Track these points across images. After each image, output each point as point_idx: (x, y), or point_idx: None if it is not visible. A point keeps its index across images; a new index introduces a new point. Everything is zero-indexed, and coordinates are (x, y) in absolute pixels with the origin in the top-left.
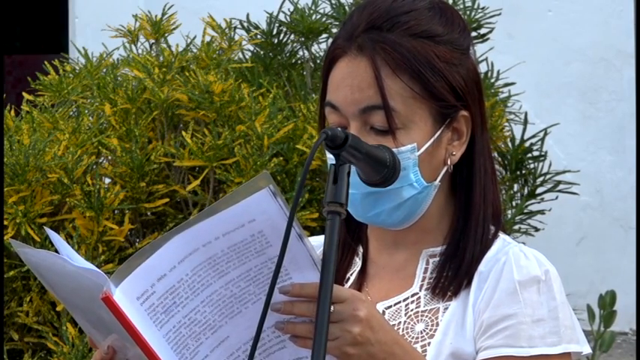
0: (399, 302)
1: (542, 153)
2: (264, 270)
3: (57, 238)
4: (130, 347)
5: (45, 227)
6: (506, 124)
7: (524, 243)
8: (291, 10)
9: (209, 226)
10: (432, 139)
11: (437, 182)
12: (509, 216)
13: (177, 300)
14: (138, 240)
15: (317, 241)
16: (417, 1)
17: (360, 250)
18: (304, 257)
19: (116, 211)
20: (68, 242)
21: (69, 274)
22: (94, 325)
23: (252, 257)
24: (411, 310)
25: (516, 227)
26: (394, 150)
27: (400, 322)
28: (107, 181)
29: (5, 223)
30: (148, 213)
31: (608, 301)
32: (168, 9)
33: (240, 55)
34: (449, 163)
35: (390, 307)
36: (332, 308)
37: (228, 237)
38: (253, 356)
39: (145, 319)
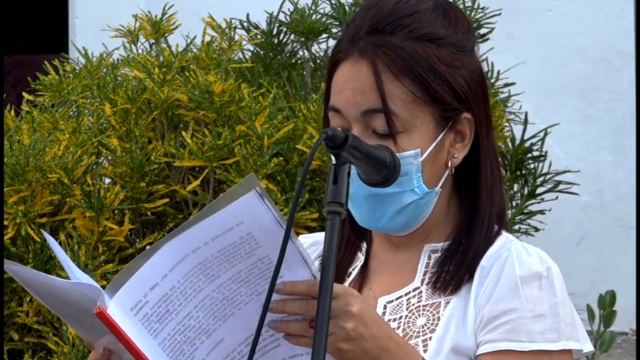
0: (401, 297)
1: (542, 153)
2: (255, 271)
3: (57, 248)
4: (127, 351)
5: (44, 233)
6: (506, 124)
7: None
8: (291, 10)
9: (198, 231)
10: (434, 143)
11: (438, 188)
12: (510, 216)
13: (170, 307)
14: (138, 240)
15: (314, 238)
16: (420, 3)
17: (364, 245)
18: (294, 256)
19: (116, 211)
20: (68, 242)
21: (60, 290)
22: (89, 332)
23: (242, 259)
24: (413, 304)
25: (516, 227)
26: (396, 154)
27: (401, 316)
28: (107, 181)
29: (5, 223)
30: (148, 213)
31: (608, 301)
32: (169, 9)
33: (240, 55)
34: (450, 165)
35: (391, 301)
36: None
37: (217, 241)
38: (252, 357)
39: (140, 330)
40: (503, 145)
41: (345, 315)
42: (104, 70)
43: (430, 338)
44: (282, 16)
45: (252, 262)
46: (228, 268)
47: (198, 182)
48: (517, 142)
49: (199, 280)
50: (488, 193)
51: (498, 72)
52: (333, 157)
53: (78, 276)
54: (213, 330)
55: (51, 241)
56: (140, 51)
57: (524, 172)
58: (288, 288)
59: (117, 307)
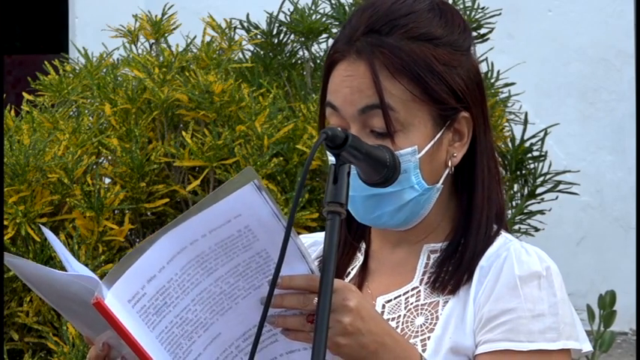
0: (399, 296)
1: (542, 153)
2: (252, 264)
3: (55, 242)
4: (126, 345)
5: (42, 226)
6: (506, 124)
7: None
8: (291, 10)
9: (195, 223)
10: (432, 142)
11: (439, 185)
12: (510, 216)
13: (168, 300)
14: (138, 240)
15: (320, 237)
16: (417, 3)
17: (363, 245)
18: (292, 250)
19: (116, 211)
20: (68, 242)
21: (59, 282)
22: (90, 326)
23: (240, 252)
24: (411, 303)
25: (516, 227)
26: (396, 154)
27: (400, 315)
28: (107, 181)
29: (5, 223)
30: (148, 213)
31: (608, 301)
32: (169, 9)
33: (240, 55)
34: (450, 164)
35: (389, 300)
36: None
37: (214, 234)
38: (254, 355)
39: (137, 322)
40: (503, 145)
41: (342, 309)
42: (104, 70)
43: (429, 338)
44: (282, 16)
45: (250, 256)
46: (225, 262)
47: (198, 182)
48: (517, 142)
49: (197, 273)
50: (484, 192)
51: (498, 72)
52: (332, 157)
53: (76, 268)
54: (211, 324)
55: (49, 235)
56: (140, 51)
57: (524, 172)
58: (286, 282)
59: (114, 299)
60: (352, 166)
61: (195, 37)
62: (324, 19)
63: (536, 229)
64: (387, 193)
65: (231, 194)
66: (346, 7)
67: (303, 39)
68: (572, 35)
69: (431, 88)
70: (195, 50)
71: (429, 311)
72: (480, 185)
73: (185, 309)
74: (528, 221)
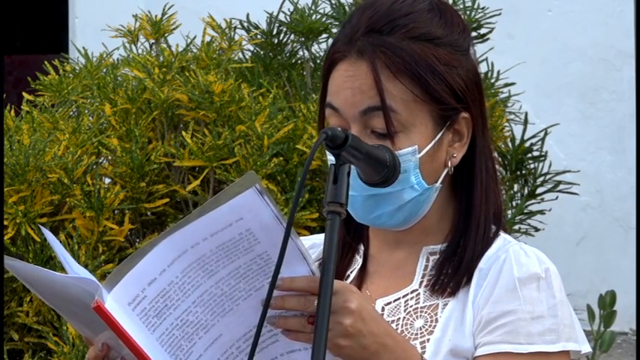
0: (399, 299)
1: (542, 153)
2: (253, 266)
3: (55, 243)
4: (125, 346)
5: (42, 227)
6: (506, 124)
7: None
8: (291, 10)
9: (197, 227)
10: (432, 142)
11: (438, 184)
12: (510, 216)
13: (168, 303)
14: (138, 240)
15: (318, 239)
16: (417, 3)
17: (361, 248)
18: (293, 252)
19: (116, 211)
20: (68, 242)
21: (59, 285)
22: (89, 327)
23: (241, 255)
24: (411, 306)
25: (516, 227)
26: (396, 154)
27: (399, 318)
28: (107, 181)
29: (5, 223)
30: (148, 213)
31: (608, 301)
32: (169, 9)
33: (240, 55)
34: (449, 165)
35: (389, 303)
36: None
37: (216, 237)
38: (253, 355)
39: (138, 324)
40: (503, 145)
41: (343, 311)
42: (104, 70)
43: (428, 340)
44: (282, 16)
45: (251, 258)
46: (227, 264)
47: (198, 182)
48: (517, 142)
49: (198, 276)
50: (482, 192)
51: (498, 72)
52: (332, 157)
53: (76, 270)
54: (212, 325)
55: (49, 236)
56: (140, 51)
57: (524, 172)
58: (286, 284)
59: (114, 302)
60: (352, 166)
61: (195, 37)
62: (324, 19)
63: (536, 229)
64: (386, 193)
65: (233, 198)
66: (346, 7)
67: (303, 39)
68: (572, 35)
69: (432, 88)
70: (195, 50)
71: (429, 314)
72: (479, 185)
73: (186, 311)
74: (528, 221)
